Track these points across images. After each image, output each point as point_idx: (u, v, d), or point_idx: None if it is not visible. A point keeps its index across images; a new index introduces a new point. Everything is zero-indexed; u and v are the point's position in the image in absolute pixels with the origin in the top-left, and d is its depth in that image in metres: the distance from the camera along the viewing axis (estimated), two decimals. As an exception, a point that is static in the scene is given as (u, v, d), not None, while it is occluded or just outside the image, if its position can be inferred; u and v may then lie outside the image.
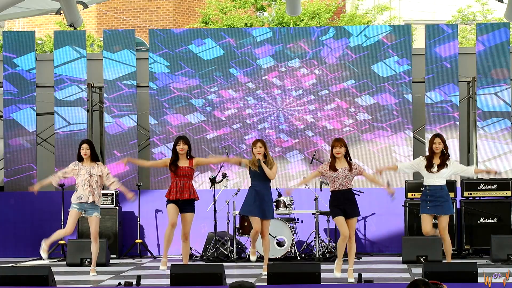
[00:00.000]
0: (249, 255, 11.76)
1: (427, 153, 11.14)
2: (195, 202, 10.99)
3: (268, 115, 14.85)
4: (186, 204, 10.86)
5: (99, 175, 11.54)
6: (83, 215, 11.54)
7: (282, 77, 14.88)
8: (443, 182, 10.93)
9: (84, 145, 11.62)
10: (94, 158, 11.63)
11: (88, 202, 11.41)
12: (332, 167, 10.46)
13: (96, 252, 11.59)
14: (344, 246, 10.49)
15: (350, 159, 10.56)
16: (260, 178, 11.19)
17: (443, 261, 11.58)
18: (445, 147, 10.98)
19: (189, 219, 10.92)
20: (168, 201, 10.92)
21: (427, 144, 11.64)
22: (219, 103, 14.90)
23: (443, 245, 11.05)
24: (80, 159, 11.61)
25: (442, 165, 10.89)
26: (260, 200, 11.14)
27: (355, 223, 10.59)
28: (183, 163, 10.91)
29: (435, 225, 11.07)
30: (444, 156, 10.93)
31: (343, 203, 10.42)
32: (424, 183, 11.03)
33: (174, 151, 10.95)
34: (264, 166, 11.08)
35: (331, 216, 10.89)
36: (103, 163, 11.99)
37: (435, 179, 10.90)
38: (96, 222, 11.50)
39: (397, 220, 13.82)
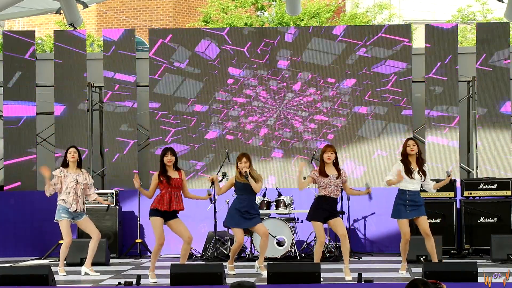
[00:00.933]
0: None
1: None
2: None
3: (268, 114, 14.84)
4: (172, 214, 10.72)
5: (85, 183, 11.50)
6: (72, 221, 11.46)
7: (282, 77, 14.87)
8: (419, 188, 11.03)
9: (72, 149, 11.55)
10: (80, 164, 11.57)
11: (71, 210, 11.35)
12: (323, 173, 10.65)
13: (94, 250, 11.50)
14: (321, 251, 10.78)
15: (338, 166, 10.77)
16: (245, 191, 11.24)
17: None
18: (419, 151, 11.02)
19: (181, 222, 10.74)
20: (155, 212, 10.65)
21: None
22: (219, 102, 14.89)
23: (428, 245, 11.01)
24: (65, 165, 11.55)
25: (423, 172, 10.95)
26: (245, 213, 11.20)
27: (341, 221, 10.74)
28: (173, 174, 10.76)
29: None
30: (420, 161, 10.97)
31: (328, 209, 10.63)
32: (402, 187, 10.98)
33: (162, 162, 10.79)
34: (251, 179, 11.12)
35: (307, 218, 10.92)
36: (87, 171, 11.87)
37: (415, 184, 10.96)
38: (88, 222, 11.47)
39: (397, 220, 13.81)
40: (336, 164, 10.72)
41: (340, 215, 11.01)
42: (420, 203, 10.97)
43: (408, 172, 10.91)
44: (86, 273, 11.40)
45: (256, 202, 11.55)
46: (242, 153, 11.38)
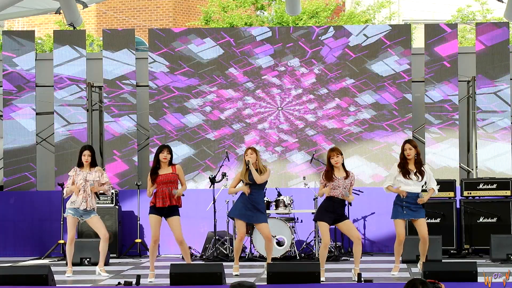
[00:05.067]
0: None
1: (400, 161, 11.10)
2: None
3: (268, 114, 14.85)
4: (171, 210, 10.76)
5: (96, 181, 11.39)
6: (81, 220, 11.43)
7: (281, 77, 14.88)
8: (419, 190, 10.94)
9: (86, 152, 11.42)
10: (94, 164, 11.47)
11: (81, 209, 11.28)
12: (329, 178, 10.59)
13: (104, 251, 11.41)
14: (326, 253, 10.68)
15: (345, 167, 10.74)
16: (252, 185, 11.20)
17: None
18: (417, 153, 10.97)
19: (176, 223, 10.76)
20: (151, 209, 10.80)
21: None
22: (219, 103, 14.90)
23: (421, 246, 10.99)
24: (79, 164, 11.52)
25: (421, 173, 10.89)
26: (251, 206, 11.15)
27: (352, 224, 10.78)
28: (164, 170, 10.82)
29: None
30: (419, 163, 10.93)
31: (335, 211, 10.58)
32: (400, 189, 10.95)
33: (156, 159, 10.84)
34: (252, 169, 11.09)
35: (314, 218, 11.00)
36: (102, 168, 11.76)
37: (413, 186, 10.90)
38: (97, 222, 11.33)
39: (397, 220, 13.80)
40: (344, 165, 10.70)
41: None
42: (419, 205, 10.91)
43: (405, 173, 10.89)
44: (99, 273, 11.36)
45: (263, 198, 11.43)
46: (248, 147, 11.44)
